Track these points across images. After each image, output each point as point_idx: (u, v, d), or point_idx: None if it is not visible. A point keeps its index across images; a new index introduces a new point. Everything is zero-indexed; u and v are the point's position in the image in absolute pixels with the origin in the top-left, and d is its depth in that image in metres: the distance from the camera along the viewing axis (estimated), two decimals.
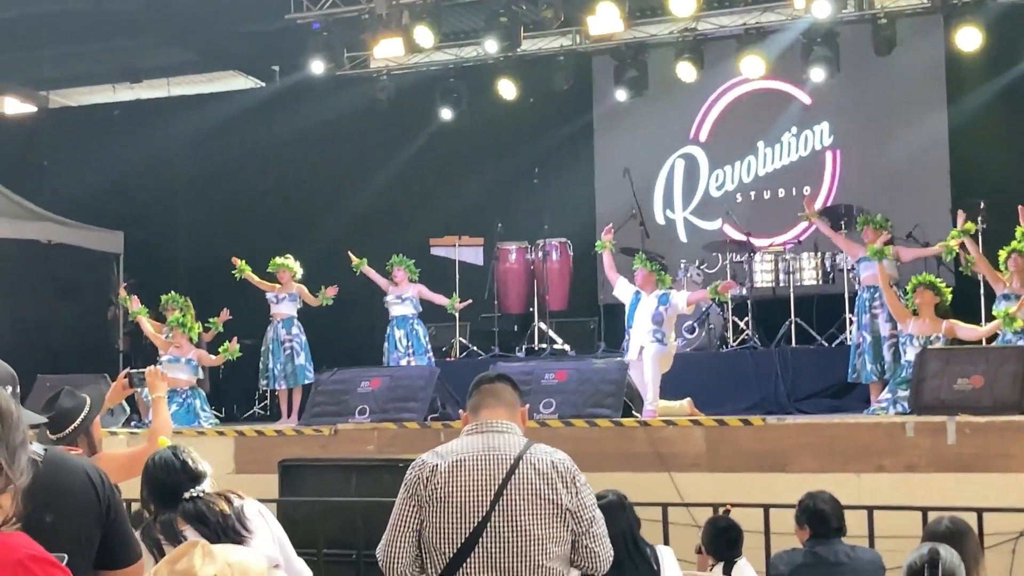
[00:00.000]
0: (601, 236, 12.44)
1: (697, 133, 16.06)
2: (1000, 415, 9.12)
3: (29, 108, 18.79)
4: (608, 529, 5.11)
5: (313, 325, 13.73)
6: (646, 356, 11.34)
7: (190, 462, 4.55)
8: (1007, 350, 10.03)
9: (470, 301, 14.01)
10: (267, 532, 4.61)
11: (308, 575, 4.75)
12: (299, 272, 13.58)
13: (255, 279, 13.53)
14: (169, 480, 4.53)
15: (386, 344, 13.54)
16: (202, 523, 4.43)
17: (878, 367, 11.30)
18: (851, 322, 12.19)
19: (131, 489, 6.28)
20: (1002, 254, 10.80)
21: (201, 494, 4.51)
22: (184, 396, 12.84)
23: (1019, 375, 9.38)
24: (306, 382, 13.15)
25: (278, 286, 13.49)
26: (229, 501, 4.54)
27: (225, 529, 4.43)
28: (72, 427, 4.93)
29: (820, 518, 6.26)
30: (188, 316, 13.15)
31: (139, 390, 6.47)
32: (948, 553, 4.44)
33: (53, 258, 16.95)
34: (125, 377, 6.05)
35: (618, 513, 5.70)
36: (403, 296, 13.47)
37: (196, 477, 4.54)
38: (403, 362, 13.15)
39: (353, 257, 13.67)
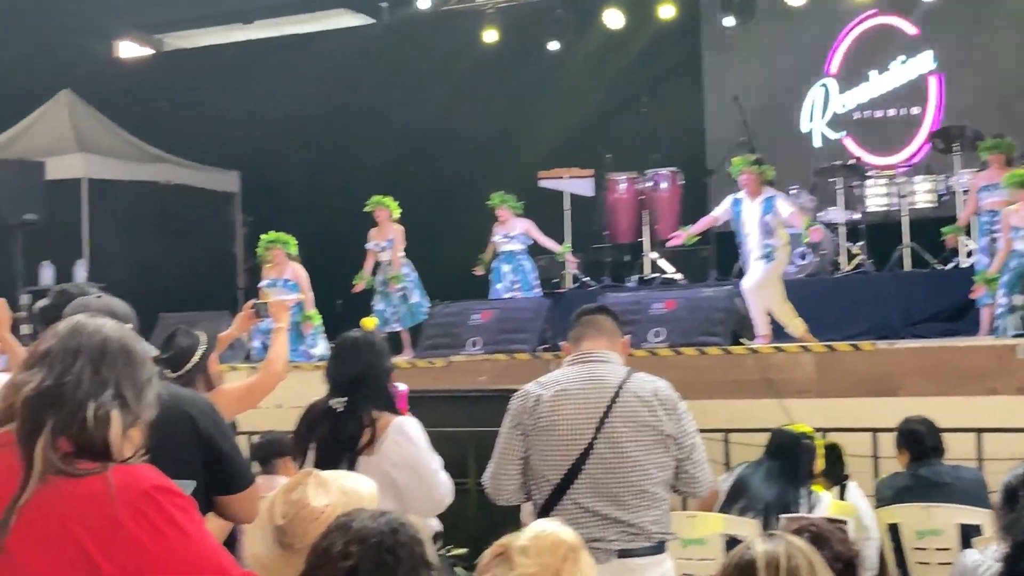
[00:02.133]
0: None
1: (828, 67, 16.08)
2: None
3: (145, 51, 19.15)
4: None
5: (422, 260, 13.84)
6: (750, 283, 11.21)
7: None
8: None
9: (576, 261, 14.04)
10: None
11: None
12: (397, 212, 13.31)
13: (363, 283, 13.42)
14: None
15: (491, 276, 13.65)
16: None
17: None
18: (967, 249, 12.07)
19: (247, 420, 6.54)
20: None
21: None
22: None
23: None
24: (423, 319, 12.98)
25: (374, 231, 13.31)
26: None
27: None
28: (189, 365, 5.11)
29: (916, 440, 6.30)
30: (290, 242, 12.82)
31: (262, 319, 6.64)
32: None
33: (171, 199, 17.35)
34: (251, 307, 6.23)
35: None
36: (510, 234, 13.54)
37: None
38: (508, 296, 13.24)
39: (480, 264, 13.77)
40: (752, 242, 11.18)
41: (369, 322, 5.30)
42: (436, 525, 5.13)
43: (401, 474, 4.73)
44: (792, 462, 6.00)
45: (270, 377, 5.62)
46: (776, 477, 5.94)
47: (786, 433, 6.24)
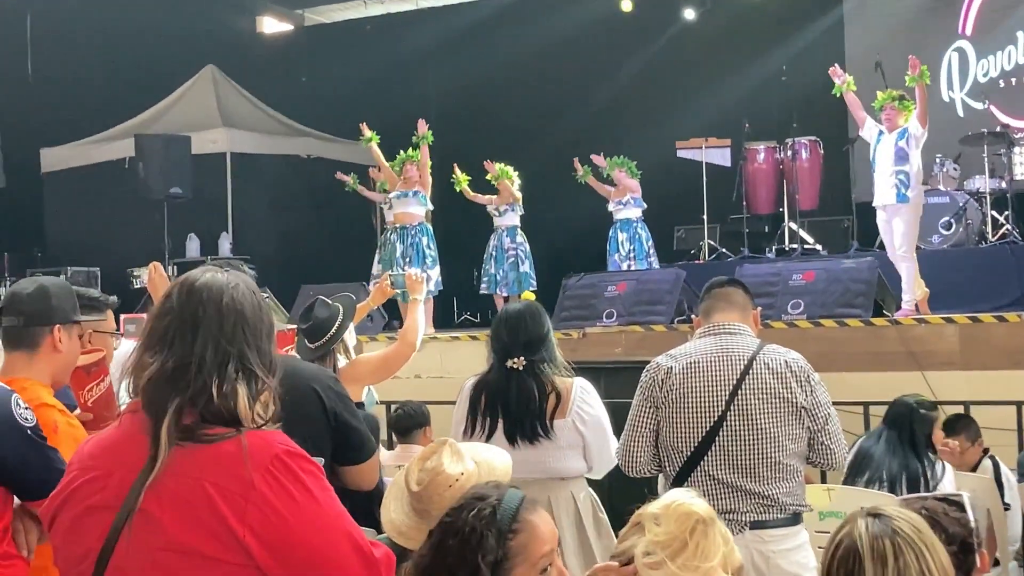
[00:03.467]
0: (834, 78, 11.69)
1: (964, 28, 15.68)
2: None
3: (286, 26, 19.42)
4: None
5: (540, 235, 13.93)
6: (897, 244, 11.06)
7: None
8: None
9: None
10: None
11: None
12: (516, 181, 13.66)
13: (470, 194, 13.78)
14: None
15: (607, 247, 13.65)
16: None
17: None
18: None
19: (386, 391, 6.62)
20: None
21: None
22: (413, 233, 12.87)
23: None
24: (531, 289, 13.17)
25: (495, 198, 13.65)
26: None
27: None
28: (328, 336, 5.19)
29: None
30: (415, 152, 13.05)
31: (399, 292, 6.71)
32: None
33: (312, 171, 17.62)
34: (387, 279, 6.32)
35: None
36: (622, 200, 13.55)
37: None
38: (623, 266, 13.23)
39: (579, 167, 13.81)
40: (884, 172, 11.03)
41: (529, 294, 5.35)
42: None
43: (590, 433, 4.83)
44: (910, 431, 5.94)
45: (406, 347, 5.70)
46: (897, 447, 5.89)
47: (901, 403, 6.18)
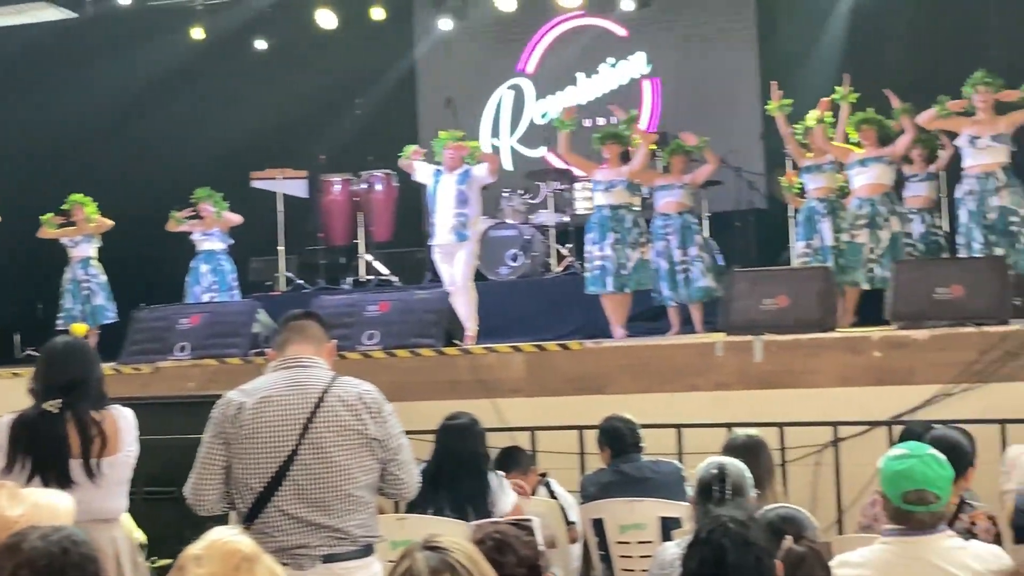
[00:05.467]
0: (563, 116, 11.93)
1: (524, 65, 16.32)
2: (804, 333, 9.47)
3: None
4: (461, 446, 5.43)
5: (115, 265, 13.54)
6: (459, 279, 11.49)
7: None
8: (810, 271, 10.42)
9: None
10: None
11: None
12: (95, 212, 13.32)
13: (52, 233, 13.30)
14: None
15: (188, 278, 13.40)
16: None
17: (675, 292, 11.72)
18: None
19: None
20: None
21: None
22: None
23: (821, 294, 9.75)
24: (106, 321, 13.08)
25: (71, 228, 13.29)
26: None
27: None
28: None
29: (616, 436, 6.52)
30: None
31: None
32: (735, 467, 4.65)
33: None
34: None
35: (469, 433, 6.00)
36: (208, 231, 13.36)
37: None
38: (205, 298, 13.05)
39: (175, 217, 13.45)
40: (446, 213, 11.46)
41: (79, 328, 5.22)
42: (140, 536, 5.04)
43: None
44: (468, 449, 6.03)
45: None
46: (458, 468, 5.95)
47: (451, 425, 6.23)
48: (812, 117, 11.28)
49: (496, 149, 16.17)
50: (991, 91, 10.29)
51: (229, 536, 2.87)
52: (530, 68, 16.32)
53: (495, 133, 16.36)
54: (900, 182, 11.66)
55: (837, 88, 11.22)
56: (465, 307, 11.40)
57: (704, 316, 11.65)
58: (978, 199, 10.21)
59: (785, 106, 11.38)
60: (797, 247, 11.49)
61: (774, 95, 11.48)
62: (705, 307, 11.68)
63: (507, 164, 16.08)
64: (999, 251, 10.04)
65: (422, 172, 11.87)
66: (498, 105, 16.38)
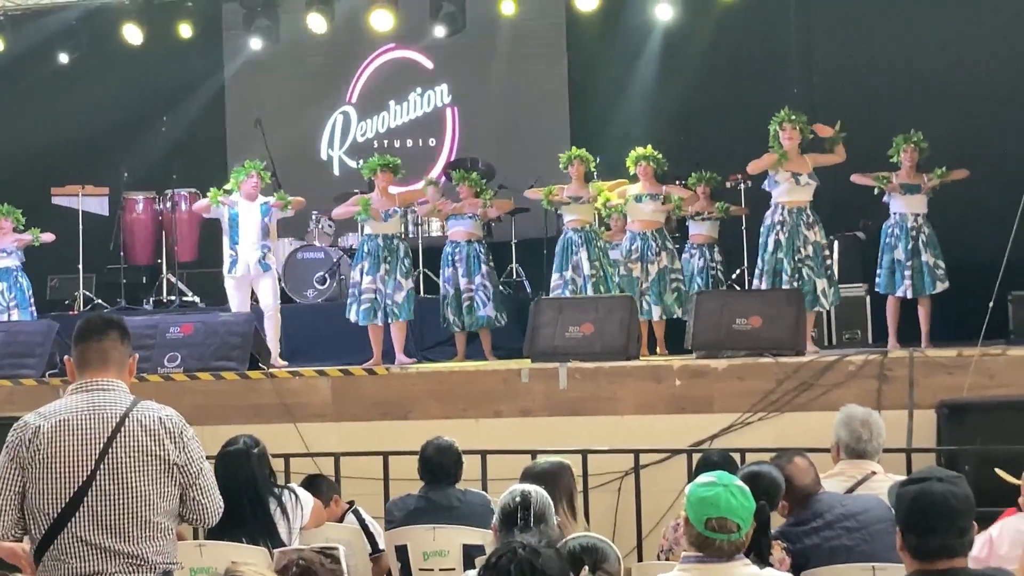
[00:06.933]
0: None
1: (351, 97, 16.45)
2: (608, 361, 9.64)
3: None
4: (239, 473, 5.30)
5: None
6: (270, 304, 11.56)
7: None
8: (615, 299, 10.62)
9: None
10: None
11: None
12: None
13: None
14: None
15: None
16: None
17: (459, 319, 11.85)
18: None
19: None
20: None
21: None
22: None
23: (625, 322, 9.95)
24: None
25: None
26: None
27: None
28: None
29: (429, 466, 6.53)
30: None
31: None
32: (538, 494, 4.71)
33: None
34: None
35: (245, 458, 5.76)
36: (7, 249, 12.92)
37: None
38: (3, 316, 12.64)
39: None
40: (249, 241, 11.65)
41: None
42: None
43: None
44: (244, 476, 5.83)
45: None
46: (239, 495, 5.71)
47: (226, 453, 5.99)
48: (604, 196, 11.72)
49: (329, 160, 16.48)
50: (795, 128, 10.48)
51: None
52: (354, 99, 16.51)
53: (330, 145, 16.50)
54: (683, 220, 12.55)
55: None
56: (275, 331, 11.41)
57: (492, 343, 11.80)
58: (790, 231, 10.41)
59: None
60: (553, 277, 11.76)
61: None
62: (493, 334, 11.83)
63: (335, 171, 16.38)
64: (813, 282, 10.27)
65: (216, 212, 11.95)
66: (333, 124, 16.51)
